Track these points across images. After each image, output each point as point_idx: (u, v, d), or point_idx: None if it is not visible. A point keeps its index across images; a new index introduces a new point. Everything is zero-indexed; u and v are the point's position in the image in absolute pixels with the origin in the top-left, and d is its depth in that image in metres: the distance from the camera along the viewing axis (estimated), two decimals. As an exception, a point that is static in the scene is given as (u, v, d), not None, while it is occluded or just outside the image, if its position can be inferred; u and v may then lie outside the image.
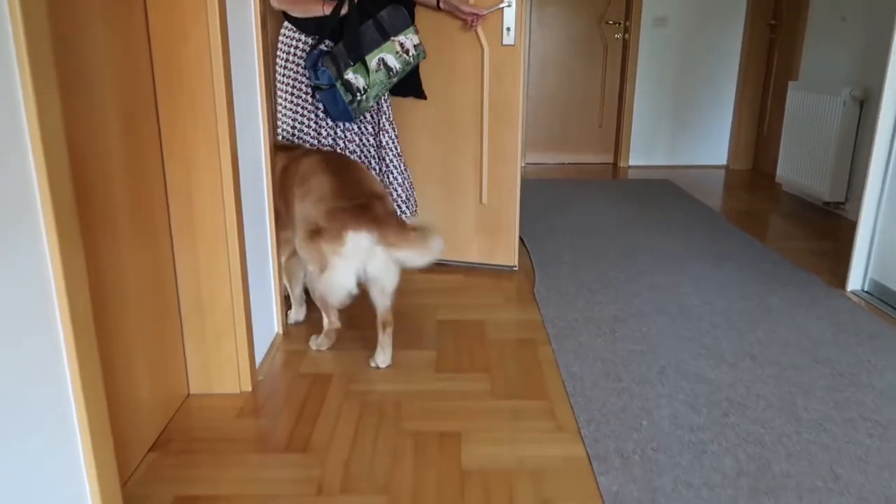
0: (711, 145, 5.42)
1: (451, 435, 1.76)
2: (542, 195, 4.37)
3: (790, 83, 4.18)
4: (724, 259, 3.10)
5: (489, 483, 1.57)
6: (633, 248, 3.27)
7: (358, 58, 2.38)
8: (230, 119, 1.76)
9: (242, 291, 1.89)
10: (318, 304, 2.22)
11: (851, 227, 2.74)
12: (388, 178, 2.70)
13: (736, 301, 2.61)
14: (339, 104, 2.41)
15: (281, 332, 2.36)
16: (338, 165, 2.17)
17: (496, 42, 2.74)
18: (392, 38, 2.46)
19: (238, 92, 1.89)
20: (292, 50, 2.49)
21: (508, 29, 2.70)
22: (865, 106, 3.58)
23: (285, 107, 2.54)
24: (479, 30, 2.72)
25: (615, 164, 5.54)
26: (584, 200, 4.24)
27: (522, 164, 3.09)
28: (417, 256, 2.00)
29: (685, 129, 5.39)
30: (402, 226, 2.03)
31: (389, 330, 2.15)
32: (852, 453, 1.67)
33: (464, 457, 1.67)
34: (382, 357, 2.15)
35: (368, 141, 2.66)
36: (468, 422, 1.83)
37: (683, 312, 2.51)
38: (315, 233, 2.03)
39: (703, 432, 1.75)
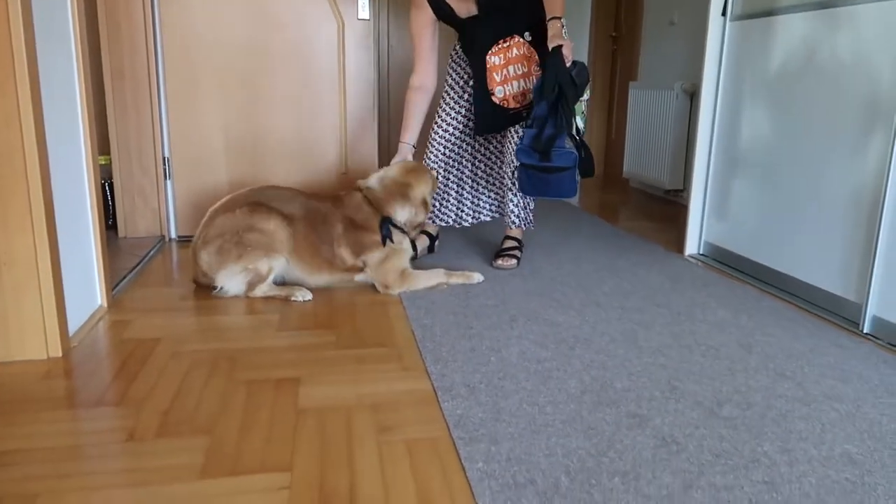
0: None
1: (289, 380, 1.63)
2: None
3: (630, 83, 4.46)
4: (574, 235, 3.19)
5: (325, 418, 1.45)
6: (487, 229, 3.30)
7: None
8: (27, 24, 1.57)
9: (48, 241, 1.67)
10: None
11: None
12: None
13: (584, 264, 2.67)
14: (572, 180, 2.47)
15: (106, 305, 2.12)
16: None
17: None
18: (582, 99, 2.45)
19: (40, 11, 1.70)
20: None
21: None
22: (695, 98, 3.86)
23: (440, 135, 2.71)
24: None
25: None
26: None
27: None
28: None
29: (541, 136, 5.59)
30: None
31: None
32: (687, 370, 1.71)
33: (301, 398, 1.54)
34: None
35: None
36: (308, 369, 1.70)
37: (535, 274, 2.53)
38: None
39: (549, 363, 1.74)
